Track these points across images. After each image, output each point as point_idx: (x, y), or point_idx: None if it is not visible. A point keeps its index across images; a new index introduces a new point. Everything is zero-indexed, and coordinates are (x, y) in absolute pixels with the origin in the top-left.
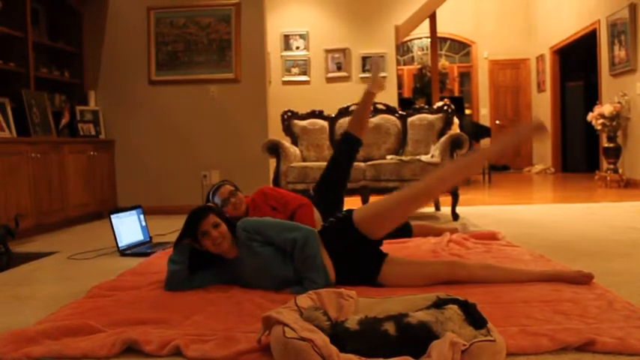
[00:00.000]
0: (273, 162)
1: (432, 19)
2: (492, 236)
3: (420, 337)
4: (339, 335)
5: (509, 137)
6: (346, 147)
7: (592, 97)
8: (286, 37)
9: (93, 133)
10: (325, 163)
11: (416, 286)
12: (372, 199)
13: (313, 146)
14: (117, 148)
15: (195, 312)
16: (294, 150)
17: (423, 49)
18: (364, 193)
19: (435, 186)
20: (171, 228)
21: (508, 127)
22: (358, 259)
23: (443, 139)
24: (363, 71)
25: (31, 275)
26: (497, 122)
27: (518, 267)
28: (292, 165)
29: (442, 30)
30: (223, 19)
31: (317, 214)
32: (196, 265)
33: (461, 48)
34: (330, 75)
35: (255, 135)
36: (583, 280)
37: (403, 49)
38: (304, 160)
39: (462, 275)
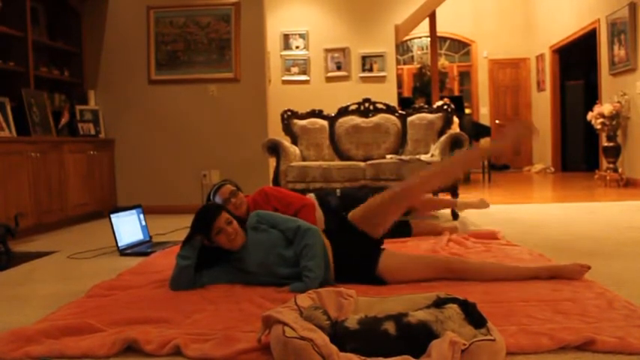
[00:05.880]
0: (272, 161)
1: (432, 18)
2: (492, 235)
3: (419, 336)
4: (338, 334)
5: (501, 140)
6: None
7: (592, 96)
8: (286, 37)
9: (93, 132)
10: (324, 163)
11: (414, 281)
12: (370, 199)
13: (313, 146)
14: (117, 147)
15: (195, 311)
16: (294, 149)
17: (422, 49)
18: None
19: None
20: (171, 227)
21: (505, 127)
22: (357, 252)
23: (443, 138)
24: (363, 71)
25: (30, 275)
26: (497, 121)
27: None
28: (292, 164)
29: (442, 29)
30: (223, 19)
31: (319, 214)
32: (201, 263)
33: (460, 47)
34: (330, 74)
35: (254, 134)
36: (581, 271)
37: (403, 48)
38: (304, 159)
39: (459, 268)
